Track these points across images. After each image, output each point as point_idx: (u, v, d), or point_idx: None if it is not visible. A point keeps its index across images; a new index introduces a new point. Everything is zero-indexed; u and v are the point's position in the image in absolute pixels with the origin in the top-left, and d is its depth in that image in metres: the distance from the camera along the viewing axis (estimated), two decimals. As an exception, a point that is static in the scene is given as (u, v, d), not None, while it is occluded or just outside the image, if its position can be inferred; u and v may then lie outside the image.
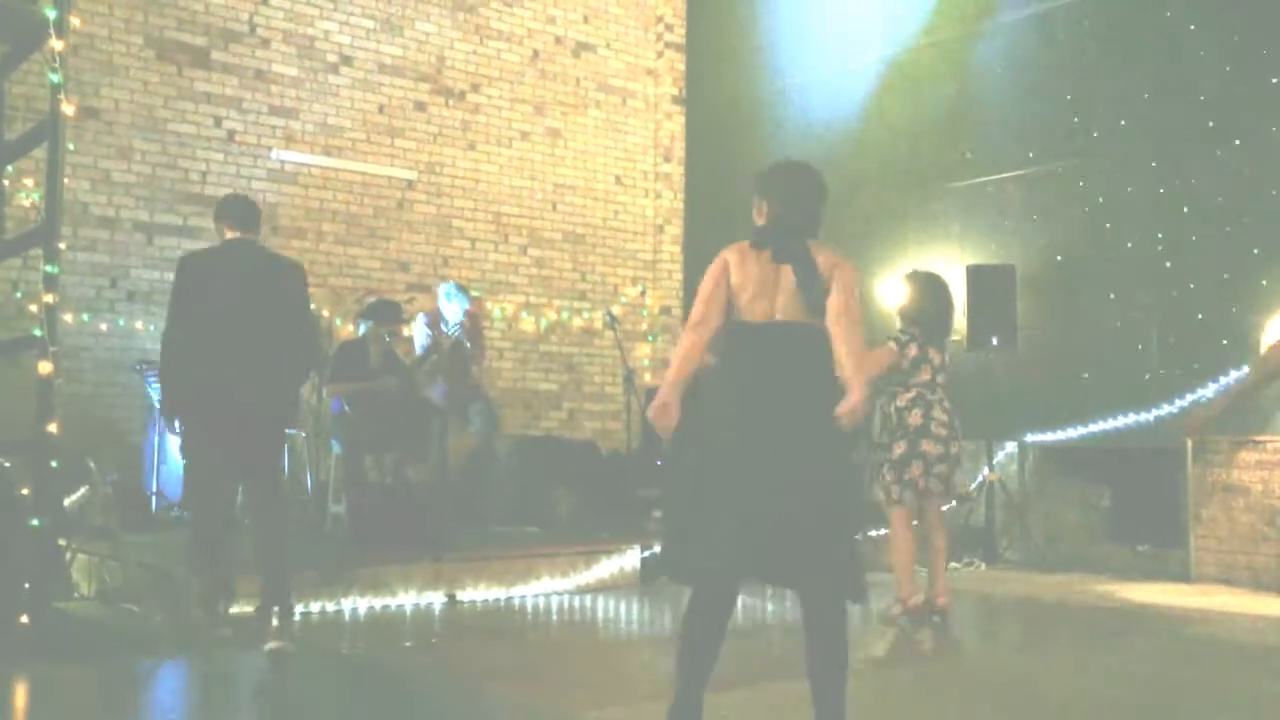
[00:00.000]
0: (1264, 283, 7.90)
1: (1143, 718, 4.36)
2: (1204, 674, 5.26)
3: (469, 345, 8.78)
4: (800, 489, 3.41)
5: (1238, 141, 8.11)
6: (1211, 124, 8.25)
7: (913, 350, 6.28)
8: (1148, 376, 8.40)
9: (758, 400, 3.49)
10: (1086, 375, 8.69)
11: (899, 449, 6.24)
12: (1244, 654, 5.74)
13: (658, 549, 3.86)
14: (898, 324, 6.58)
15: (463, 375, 8.82)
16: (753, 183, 3.80)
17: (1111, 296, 8.70)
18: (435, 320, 8.84)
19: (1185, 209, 8.33)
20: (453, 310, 8.77)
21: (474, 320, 8.98)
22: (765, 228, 3.68)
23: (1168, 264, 8.39)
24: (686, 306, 8.87)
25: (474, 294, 9.64)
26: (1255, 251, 7.96)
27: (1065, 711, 4.44)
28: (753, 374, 3.53)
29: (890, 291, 9.66)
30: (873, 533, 8.23)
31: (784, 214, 3.67)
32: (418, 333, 8.94)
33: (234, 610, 5.99)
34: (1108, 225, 8.75)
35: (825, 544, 3.44)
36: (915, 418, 6.21)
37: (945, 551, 6.48)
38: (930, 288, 6.45)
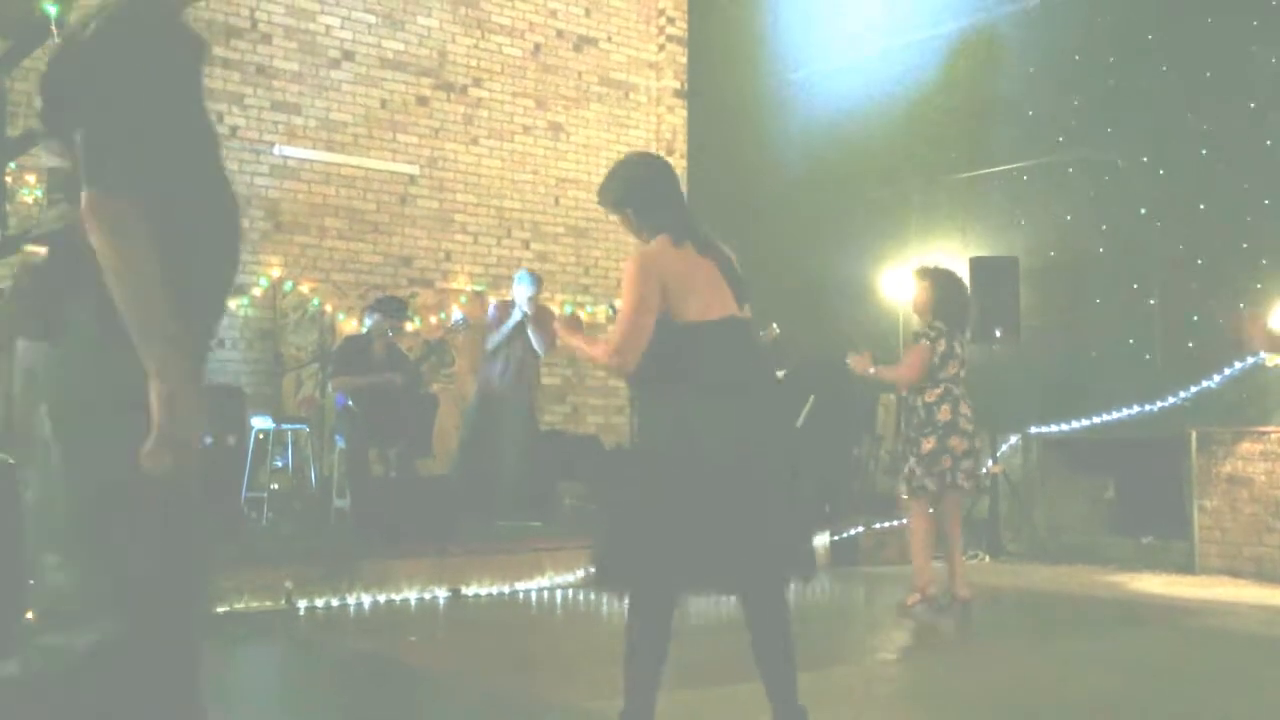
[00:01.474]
0: (1266, 275, 7.89)
1: (1152, 709, 4.36)
2: (1211, 665, 5.25)
3: (530, 337, 8.48)
4: (776, 493, 3.33)
5: (1240, 134, 8.10)
6: (1213, 117, 8.24)
7: (942, 345, 6.25)
8: (1151, 368, 8.40)
9: (744, 403, 3.33)
10: (1090, 367, 8.69)
11: (928, 444, 6.20)
12: (1250, 645, 5.73)
13: (599, 563, 3.56)
14: (916, 320, 6.58)
15: (528, 367, 8.62)
16: (609, 195, 3.58)
17: (1114, 288, 8.70)
18: (504, 309, 8.69)
19: (1187, 201, 8.33)
20: (521, 292, 8.53)
21: (539, 311, 8.53)
22: (681, 223, 3.49)
23: (1170, 256, 8.38)
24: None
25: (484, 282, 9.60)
26: (1257, 243, 7.95)
27: (1075, 704, 4.44)
28: (738, 378, 3.37)
29: (893, 283, 9.67)
30: (879, 525, 8.24)
31: (678, 211, 3.52)
32: (490, 321, 8.76)
33: (241, 605, 6.03)
34: (1110, 217, 8.75)
35: (788, 545, 3.39)
36: (944, 413, 6.19)
37: (960, 543, 6.51)
38: (950, 283, 6.45)
